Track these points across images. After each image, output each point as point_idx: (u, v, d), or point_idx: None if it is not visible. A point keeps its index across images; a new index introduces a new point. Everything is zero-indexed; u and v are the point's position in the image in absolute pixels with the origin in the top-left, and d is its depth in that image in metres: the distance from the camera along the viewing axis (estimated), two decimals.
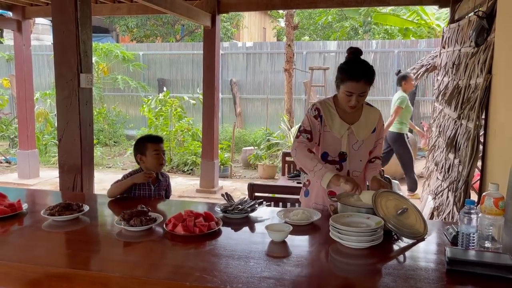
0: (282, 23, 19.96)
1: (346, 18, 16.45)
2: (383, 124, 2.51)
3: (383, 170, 3.82)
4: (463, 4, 4.35)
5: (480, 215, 1.69)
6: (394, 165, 6.93)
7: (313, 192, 2.47)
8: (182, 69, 10.74)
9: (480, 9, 3.36)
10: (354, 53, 2.31)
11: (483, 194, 1.70)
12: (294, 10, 8.69)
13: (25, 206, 2.29)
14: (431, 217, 3.90)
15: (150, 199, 2.70)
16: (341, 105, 2.35)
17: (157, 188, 2.78)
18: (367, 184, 3.61)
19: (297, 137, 2.38)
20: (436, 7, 6.74)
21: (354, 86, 2.22)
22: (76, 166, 3.26)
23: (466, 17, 4.09)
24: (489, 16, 3.00)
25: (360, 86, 2.21)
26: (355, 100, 2.25)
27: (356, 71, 2.22)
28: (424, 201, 4.71)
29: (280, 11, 16.13)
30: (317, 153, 2.40)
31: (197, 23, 6.16)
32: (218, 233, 1.97)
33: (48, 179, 7.10)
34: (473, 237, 1.69)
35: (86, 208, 2.24)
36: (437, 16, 10.06)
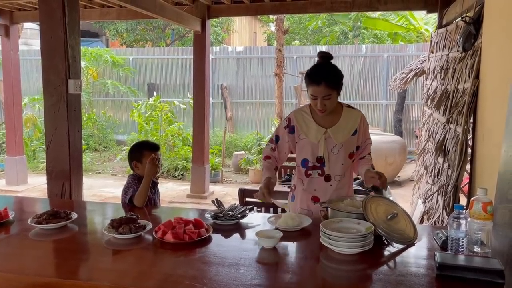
0: (272, 27, 20.01)
1: (336, 23, 16.55)
2: (368, 125, 2.48)
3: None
4: (451, 10, 4.40)
5: (469, 219, 1.70)
6: (384, 168, 6.98)
7: (298, 197, 2.48)
8: (172, 74, 10.71)
9: (467, 14, 3.40)
10: (323, 58, 2.32)
11: (472, 199, 1.71)
12: (284, 15, 8.72)
13: (12, 214, 2.25)
14: (421, 221, 3.92)
15: (156, 205, 2.71)
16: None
17: (156, 193, 2.79)
18: (359, 185, 3.64)
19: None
20: (424, 12, 6.82)
21: (316, 89, 2.23)
22: (65, 173, 3.22)
23: (453, 22, 4.13)
24: (476, 22, 3.03)
25: (321, 89, 2.22)
26: (320, 103, 2.25)
27: (316, 74, 2.24)
28: (414, 204, 4.74)
29: (270, 16, 16.19)
30: (298, 161, 2.43)
31: (187, 28, 6.16)
32: (208, 240, 1.96)
33: (36, 185, 7.02)
34: (462, 241, 1.69)
35: (74, 215, 2.21)
36: (426, 21, 10.17)
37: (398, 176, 7.59)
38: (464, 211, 1.72)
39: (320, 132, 2.35)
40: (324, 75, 2.23)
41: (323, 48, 10.37)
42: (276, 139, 2.47)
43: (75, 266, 1.74)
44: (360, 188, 3.57)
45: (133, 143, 2.92)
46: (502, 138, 1.99)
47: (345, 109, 2.41)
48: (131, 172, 2.78)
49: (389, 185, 5.36)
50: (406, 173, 7.76)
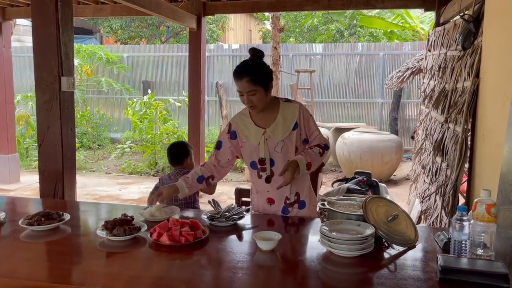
0: (268, 25, 19.95)
1: (332, 21, 16.53)
2: (311, 116, 2.35)
3: (370, 173, 3.81)
4: (449, 8, 4.37)
5: (472, 222, 1.67)
6: (380, 167, 6.96)
7: (254, 201, 2.47)
8: (167, 71, 10.63)
9: (466, 12, 3.36)
10: (254, 54, 2.33)
11: (475, 200, 1.67)
12: (280, 13, 8.66)
13: (2, 215, 2.20)
14: (419, 221, 3.90)
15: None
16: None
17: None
18: (357, 184, 3.60)
19: None
20: (420, 10, 6.80)
21: (238, 84, 2.23)
22: (57, 172, 3.15)
23: (451, 20, 4.10)
24: (476, 20, 3.00)
25: (243, 84, 2.21)
26: (246, 99, 2.24)
27: (239, 70, 2.24)
28: (411, 204, 4.72)
29: (266, 14, 16.12)
30: (247, 164, 2.40)
31: (183, 25, 6.09)
32: (204, 242, 1.91)
33: (29, 184, 6.93)
34: (465, 244, 1.66)
35: (67, 216, 2.16)
36: (421, 19, 10.17)
37: (394, 175, 7.57)
38: (467, 213, 1.68)
39: (260, 133, 2.31)
40: (247, 70, 2.23)
41: (319, 46, 10.32)
42: (218, 145, 2.45)
43: (67, 269, 1.69)
44: (357, 187, 3.53)
45: (181, 141, 3.21)
46: (503, 138, 1.96)
47: (282, 104, 2.34)
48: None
49: (386, 184, 5.34)
50: (402, 172, 7.75)
